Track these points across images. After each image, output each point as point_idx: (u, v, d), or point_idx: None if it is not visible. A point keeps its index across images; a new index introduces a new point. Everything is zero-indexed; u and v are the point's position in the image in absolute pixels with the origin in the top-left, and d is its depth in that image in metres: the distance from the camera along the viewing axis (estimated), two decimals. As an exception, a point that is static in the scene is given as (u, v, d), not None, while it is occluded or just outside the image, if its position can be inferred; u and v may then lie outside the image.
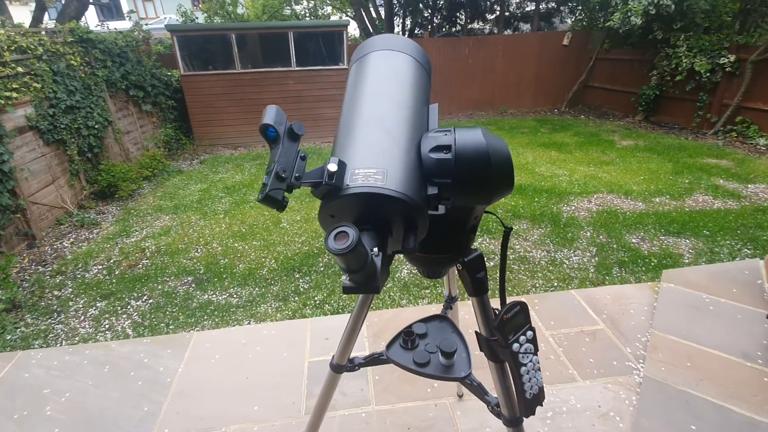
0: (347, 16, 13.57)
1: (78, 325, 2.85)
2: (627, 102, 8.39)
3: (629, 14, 6.81)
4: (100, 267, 3.59)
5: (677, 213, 4.05)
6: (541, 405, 0.81)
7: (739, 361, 1.86)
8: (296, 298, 2.99)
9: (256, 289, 3.14)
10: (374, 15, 12.51)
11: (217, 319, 2.82)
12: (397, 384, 1.88)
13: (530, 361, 0.77)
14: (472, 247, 0.83)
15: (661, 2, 6.44)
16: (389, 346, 1.07)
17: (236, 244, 3.86)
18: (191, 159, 6.97)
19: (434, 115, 0.77)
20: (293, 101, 7.46)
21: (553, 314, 2.27)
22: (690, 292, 2.33)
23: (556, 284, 3.01)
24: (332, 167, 0.58)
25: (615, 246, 3.49)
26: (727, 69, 6.36)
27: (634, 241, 3.57)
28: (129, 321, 2.86)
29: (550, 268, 3.22)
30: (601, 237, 3.66)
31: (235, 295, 3.08)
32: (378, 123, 0.69)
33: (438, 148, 0.66)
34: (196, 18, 10.45)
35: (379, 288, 0.58)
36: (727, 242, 3.45)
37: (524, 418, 0.87)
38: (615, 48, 8.62)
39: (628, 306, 2.33)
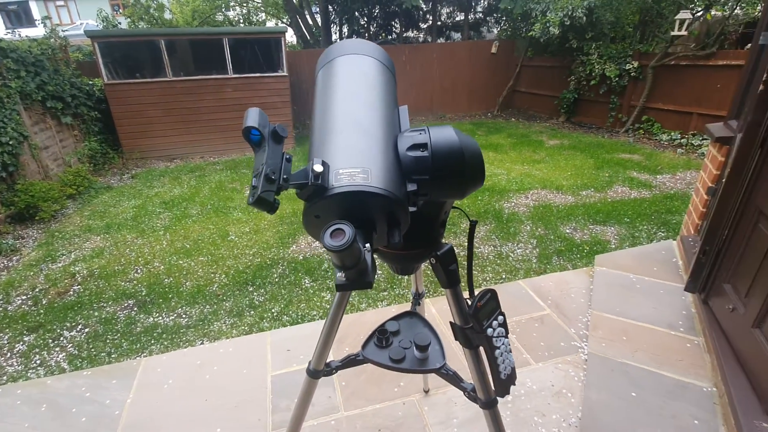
0: (283, 23, 13.38)
1: (4, 363, 2.54)
2: (551, 105, 9.10)
3: (548, 25, 7.42)
4: (24, 297, 3.23)
5: (602, 204, 4.47)
6: (515, 384, 0.88)
7: (665, 331, 2.11)
8: (252, 312, 2.90)
9: (207, 306, 3.00)
10: (310, 22, 12.45)
11: (166, 343, 2.65)
12: (364, 387, 1.89)
13: (503, 343, 0.84)
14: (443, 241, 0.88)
15: (574, 14, 7.10)
16: (364, 346, 1.09)
17: (181, 261, 3.65)
18: (121, 174, 6.47)
19: (405, 115, 0.81)
20: (232, 109, 7.21)
21: (505, 304, 2.38)
22: (619, 273, 2.60)
23: (504, 276, 3.19)
24: (318, 168, 0.59)
25: (552, 237, 3.78)
26: (632, 74, 7.15)
27: (568, 231, 3.89)
28: (63, 354, 2.60)
29: (498, 261, 3.41)
30: (539, 230, 3.94)
31: (184, 315, 2.92)
32: (355, 124, 0.72)
33: (415, 147, 0.70)
34: (119, 23, 9.75)
35: (371, 283, 0.60)
36: (645, 227, 3.88)
37: (499, 399, 0.93)
38: (537, 56, 9.33)
39: (569, 291, 2.54)
